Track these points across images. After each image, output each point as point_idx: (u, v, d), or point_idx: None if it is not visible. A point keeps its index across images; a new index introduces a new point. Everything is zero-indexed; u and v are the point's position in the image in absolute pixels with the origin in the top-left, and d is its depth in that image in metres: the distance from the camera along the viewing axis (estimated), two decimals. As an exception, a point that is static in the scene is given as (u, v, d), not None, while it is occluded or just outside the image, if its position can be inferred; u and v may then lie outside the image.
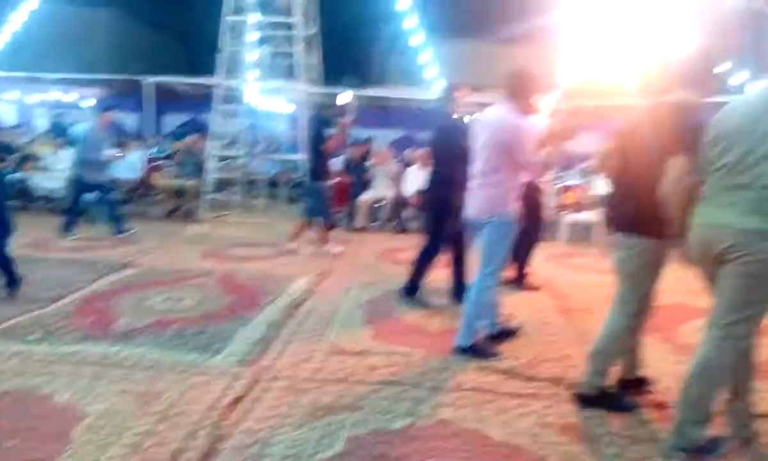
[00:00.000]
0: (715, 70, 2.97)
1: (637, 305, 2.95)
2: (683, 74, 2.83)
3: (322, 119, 6.86)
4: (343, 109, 7.52)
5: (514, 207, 3.68)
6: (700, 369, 2.50)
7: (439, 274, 5.02)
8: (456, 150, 4.48)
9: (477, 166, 3.74)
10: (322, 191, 6.73)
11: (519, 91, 3.63)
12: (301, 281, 5.47)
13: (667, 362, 3.63)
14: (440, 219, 4.75)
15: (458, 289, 4.71)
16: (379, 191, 8.90)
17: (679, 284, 5.60)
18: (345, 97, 9.69)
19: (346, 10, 20.05)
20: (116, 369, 3.36)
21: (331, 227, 6.99)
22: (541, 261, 7.02)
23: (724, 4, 8.49)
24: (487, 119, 3.76)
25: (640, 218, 2.80)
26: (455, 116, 4.81)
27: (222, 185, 10.31)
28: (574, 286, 5.71)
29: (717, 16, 9.85)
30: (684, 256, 2.71)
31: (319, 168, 6.64)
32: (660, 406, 3.04)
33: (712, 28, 10.51)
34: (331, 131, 6.72)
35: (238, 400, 2.99)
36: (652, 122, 2.79)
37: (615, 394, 3.07)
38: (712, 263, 2.50)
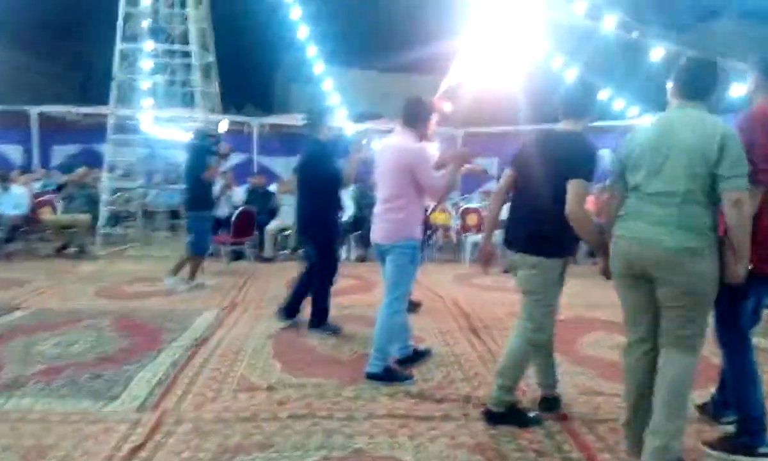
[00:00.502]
0: (595, 99, 3.18)
1: (541, 320, 3.06)
2: (567, 104, 3.04)
3: (201, 147, 6.63)
4: (220, 137, 7.39)
5: (418, 231, 3.76)
6: (675, 384, 2.54)
7: (350, 299, 5.03)
8: (322, 176, 4.62)
9: (381, 192, 3.80)
10: (203, 220, 6.51)
11: (416, 118, 3.75)
12: (205, 316, 5.26)
13: (569, 375, 3.81)
14: (315, 244, 4.80)
15: (290, 308, 4.88)
16: (286, 219, 8.79)
17: (576, 299, 5.98)
18: (223, 125, 9.53)
19: (247, 39, 19.89)
20: (0, 423, 3.04)
21: (201, 258, 6.65)
22: (447, 282, 7.23)
23: (599, 35, 9.25)
24: (388, 146, 3.83)
25: (541, 238, 2.94)
26: (324, 142, 4.80)
27: (118, 218, 9.78)
28: (478, 305, 5.88)
29: (594, 46, 10.72)
30: (602, 270, 2.86)
31: (199, 197, 6.43)
32: (564, 419, 3.17)
33: (590, 58, 11.42)
34: (212, 159, 6.57)
35: (138, 448, 2.79)
36: (546, 149, 2.97)
37: (522, 410, 3.16)
38: (635, 276, 2.60)
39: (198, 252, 6.49)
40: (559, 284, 3.06)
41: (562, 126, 3.04)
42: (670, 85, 2.67)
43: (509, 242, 3.15)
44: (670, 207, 2.46)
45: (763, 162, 2.56)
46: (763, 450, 2.71)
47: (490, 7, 9.42)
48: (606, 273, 2.84)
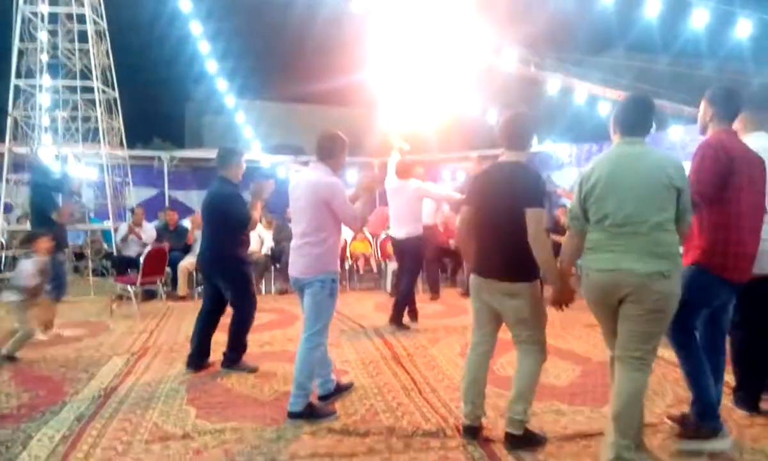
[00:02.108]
0: (534, 130, 3.34)
1: (542, 336, 3.15)
2: (510, 137, 3.19)
3: (44, 185, 6.29)
4: (68, 173, 7.16)
5: (337, 263, 3.76)
6: (629, 399, 2.73)
7: (270, 335, 4.92)
8: (227, 217, 4.57)
9: (297, 226, 3.78)
10: (58, 264, 6.09)
11: (330, 152, 3.78)
12: (114, 363, 4.96)
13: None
14: (229, 282, 4.73)
15: (201, 354, 4.75)
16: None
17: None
18: (72, 161, 9.25)
19: (155, 72, 19.37)
20: None
21: (55, 303, 6.10)
22: (368, 311, 7.24)
23: (501, 71, 9.77)
24: (302, 180, 3.82)
25: (518, 265, 3.04)
26: (230, 181, 4.71)
27: (14, 261, 9.09)
28: (400, 333, 5.93)
29: (497, 81, 11.31)
30: (554, 300, 3.04)
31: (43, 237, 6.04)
32: (486, 442, 3.22)
33: (494, 92, 12.01)
34: (61, 197, 6.30)
35: (38, 516, 2.57)
36: (501, 181, 3.11)
37: (532, 431, 3.20)
38: (611, 305, 2.78)
39: (55, 296, 6.03)
40: (541, 299, 3.19)
41: (507, 158, 3.20)
42: (612, 122, 2.91)
43: (482, 272, 3.20)
44: (638, 236, 2.66)
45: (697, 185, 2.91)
46: (717, 426, 3.04)
47: (398, 41, 9.72)
48: (557, 303, 3.02)
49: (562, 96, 9.76)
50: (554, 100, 10.08)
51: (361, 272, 9.65)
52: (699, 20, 7.08)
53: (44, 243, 5.33)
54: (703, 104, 3.18)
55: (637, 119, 2.81)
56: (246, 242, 4.91)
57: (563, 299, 3.02)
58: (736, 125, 3.26)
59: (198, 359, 4.77)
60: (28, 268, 5.15)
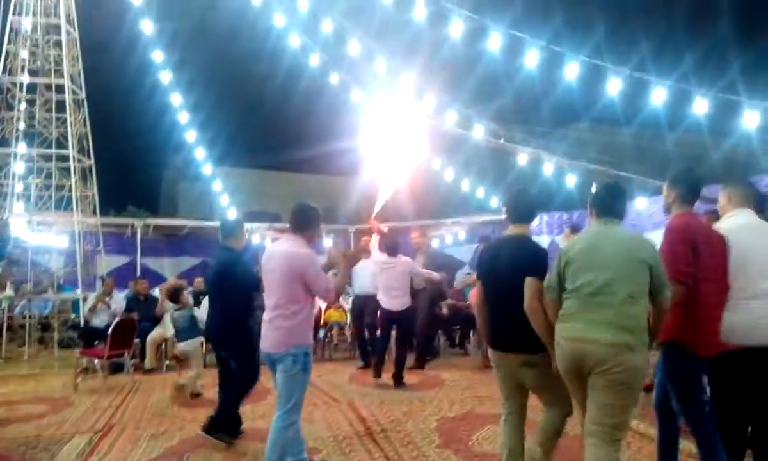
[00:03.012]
0: (537, 206, 3.56)
1: (565, 397, 3.15)
2: (515, 211, 3.39)
3: None
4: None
5: (310, 336, 3.73)
6: None
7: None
8: (237, 284, 4.59)
9: (270, 298, 3.75)
10: None
11: (305, 224, 3.82)
12: (76, 442, 4.76)
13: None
14: (235, 353, 4.70)
15: (218, 419, 4.63)
16: (170, 326, 8.32)
17: (467, 393, 6.11)
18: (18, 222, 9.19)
19: (133, 140, 19.50)
20: None
21: None
22: (343, 383, 7.12)
23: (472, 140, 10.10)
24: (276, 252, 3.83)
25: (534, 335, 3.09)
26: (235, 249, 4.81)
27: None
28: (375, 406, 5.82)
29: (467, 150, 11.68)
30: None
31: None
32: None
33: (465, 160, 12.37)
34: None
35: None
36: (509, 254, 3.26)
37: None
38: (582, 375, 2.84)
39: None
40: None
41: (512, 231, 3.40)
42: (588, 206, 3.14)
43: (499, 346, 3.29)
44: (608, 307, 2.78)
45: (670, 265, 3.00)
46: None
47: (374, 111, 10.02)
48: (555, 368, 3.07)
49: (531, 167, 10.06)
50: (524, 170, 10.39)
51: (336, 341, 9.52)
52: (658, 97, 7.46)
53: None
54: (665, 187, 3.34)
55: (611, 203, 3.04)
56: (253, 310, 4.85)
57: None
58: (721, 201, 3.42)
59: (226, 425, 4.65)
60: None
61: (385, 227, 7.07)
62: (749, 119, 6.84)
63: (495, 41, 7.90)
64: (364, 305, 8.04)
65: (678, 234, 3.13)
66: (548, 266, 3.19)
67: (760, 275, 3.12)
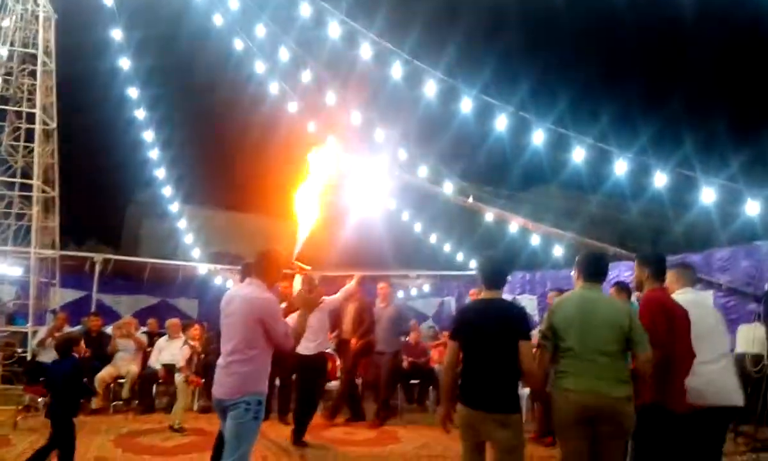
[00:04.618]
0: (510, 271, 3.92)
1: None
2: (490, 276, 3.58)
3: None
4: None
5: (265, 385, 3.65)
6: None
7: (189, 458, 4.62)
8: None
9: (227, 343, 3.66)
10: None
11: (266, 268, 3.79)
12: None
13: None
14: None
15: None
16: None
17: (423, 451, 6.02)
18: None
19: (100, 174, 19.25)
20: None
21: None
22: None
23: (440, 197, 10.30)
24: (236, 295, 3.78)
25: (512, 396, 3.34)
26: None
27: None
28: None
29: (436, 206, 11.89)
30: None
31: None
32: None
33: (434, 215, 12.57)
34: None
35: None
36: (489, 316, 3.44)
37: None
38: (588, 425, 3.13)
39: None
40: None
41: (486, 295, 3.58)
42: (574, 271, 3.57)
43: (474, 404, 3.35)
44: (604, 364, 3.16)
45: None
46: None
47: (343, 158, 10.14)
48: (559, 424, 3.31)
49: (498, 226, 10.28)
50: (491, 229, 10.59)
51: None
52: (620, 168, 7.75)
53: None
54: (637, 266, 3.84)
55: (597, 269, 3.49)
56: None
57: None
58: (670, 278, 3.87)
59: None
60: None
61: (308, 267, 6.76)
62: (706, 195, 7.17)
63: (466, 104, 8.18)
64: None
65: (657, 307, 3.55)
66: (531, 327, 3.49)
67: (710, 344, 3.61)
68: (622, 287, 5.23)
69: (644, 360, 3.22)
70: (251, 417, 3.52)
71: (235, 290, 3.92)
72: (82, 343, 7.65)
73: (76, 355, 5.50)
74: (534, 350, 3.41)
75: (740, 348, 6.78)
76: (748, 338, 6.68)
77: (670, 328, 3.46)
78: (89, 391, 7.03)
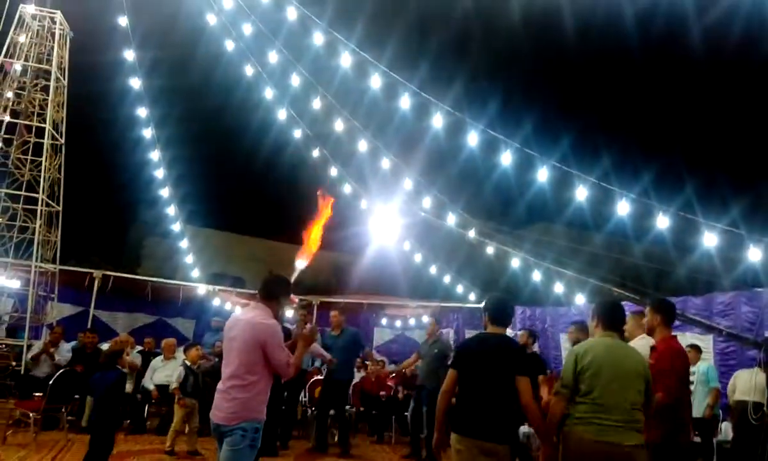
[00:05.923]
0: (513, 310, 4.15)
1: None
2: (496, 313, 3.72)
3: None
4: None
5: (264, 412, 3.60)
6: None
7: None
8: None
9: (228, 367, 3.61)
10: None
11: (274, 295, 3.76)
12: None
13: None
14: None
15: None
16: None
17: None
18: None
19: (106, 192, 19.37)
20: None
21: None
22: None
23: (443, 229, 10.33)
24: (241, 319, 3.74)
25: (508, 427, 3.42)
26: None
27: None
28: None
29: (438, 237, 11.90)
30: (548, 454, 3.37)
31: None
32: None
33: (435, 246, 12.57)
34: None
35: None
36: (490, 350, 3.54)
37: None
38: None
39: None
40: None
41: (492, 330, 3.70)
42: (593, 319, 3.67)
43: (467, 431, 3.42)
44: (622, 413, 3.22)
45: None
46: None
47: (348, 188, 10.18)
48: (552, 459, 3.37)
49: (499, 261, 10.27)
50: (493, 263, 10.58)
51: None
52: (623, 209, 7.77)
53: None
54: (650, 312, 4.06)
55: (616, 319, 3.59)
56: None
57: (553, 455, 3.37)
58: (631, 325, 4.24)
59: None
60: None
61: (296, 298, 6.74)
62: (708, 239, 7.16)
63: (473, 138, 8.24)
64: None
65: (677, 354, 3.88)
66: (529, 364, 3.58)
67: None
68: (581, 328, 5.46)
69: (650, 412, 3.39)
70: (247, 444, 3.46)
71: (238, 314, 3.90)
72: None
73: (120, 368, 5.47)
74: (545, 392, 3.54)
75: (738, 395, 6.73)
76: (749, 384, 6.63)
77: (685, 374, 3.83)
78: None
